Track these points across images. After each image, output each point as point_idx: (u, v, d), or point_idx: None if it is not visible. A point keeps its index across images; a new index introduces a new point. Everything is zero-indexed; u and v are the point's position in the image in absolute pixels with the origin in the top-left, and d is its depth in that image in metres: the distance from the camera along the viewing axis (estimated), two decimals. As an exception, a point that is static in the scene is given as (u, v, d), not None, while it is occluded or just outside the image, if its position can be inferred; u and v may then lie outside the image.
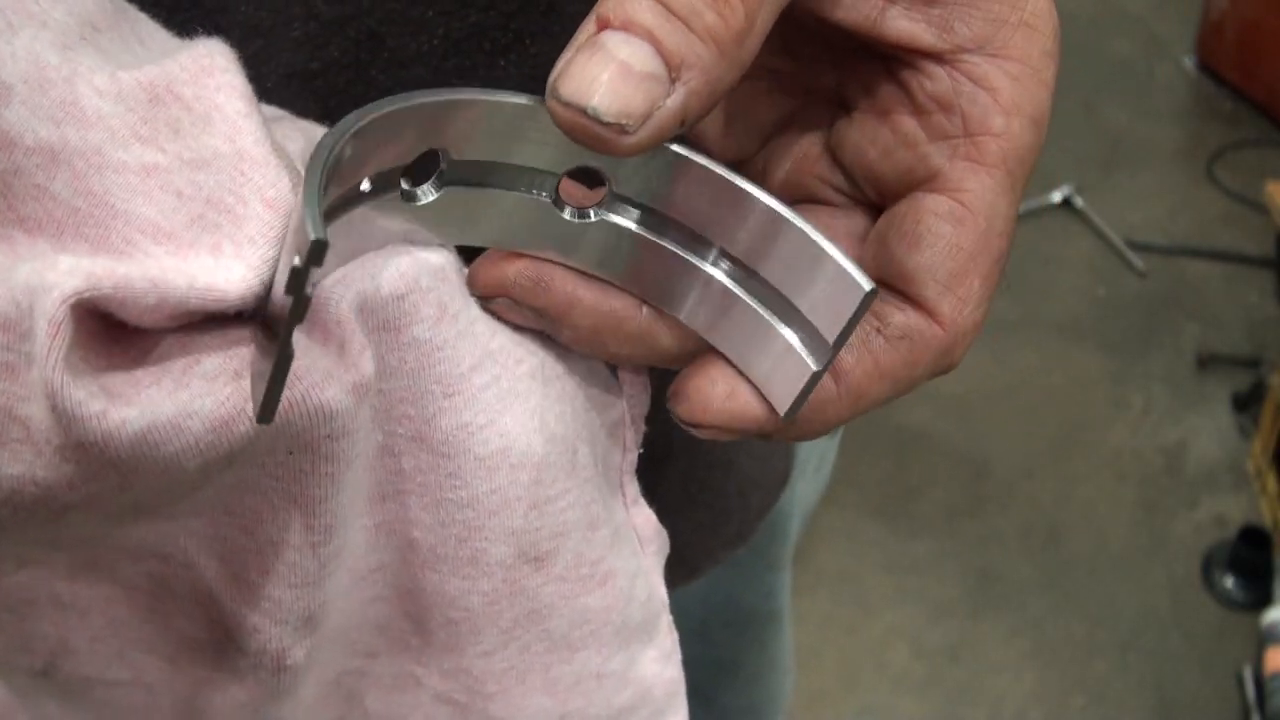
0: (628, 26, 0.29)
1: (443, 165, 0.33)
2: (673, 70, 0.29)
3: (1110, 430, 2.12)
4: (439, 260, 0.33)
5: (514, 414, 0.35)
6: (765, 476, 0.60)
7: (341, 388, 0.30)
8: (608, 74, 0.29)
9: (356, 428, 0.31)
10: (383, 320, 0.32)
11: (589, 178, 0.35)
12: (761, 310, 0.34)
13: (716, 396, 0.35)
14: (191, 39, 0.32)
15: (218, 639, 0.33)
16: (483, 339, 0.34)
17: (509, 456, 0.35)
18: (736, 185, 0.33)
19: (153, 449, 0.27)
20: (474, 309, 0.34)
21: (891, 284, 0.35)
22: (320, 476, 0.30)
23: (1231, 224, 2.50)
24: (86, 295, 0.27)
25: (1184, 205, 2.56)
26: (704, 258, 0.35)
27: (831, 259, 0.32)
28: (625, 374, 0.39)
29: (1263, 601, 1.80)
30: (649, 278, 0.35)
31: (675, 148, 0.33)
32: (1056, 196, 2.50)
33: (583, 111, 0.29)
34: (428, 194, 0.33)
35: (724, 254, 0.35)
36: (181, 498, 0.30)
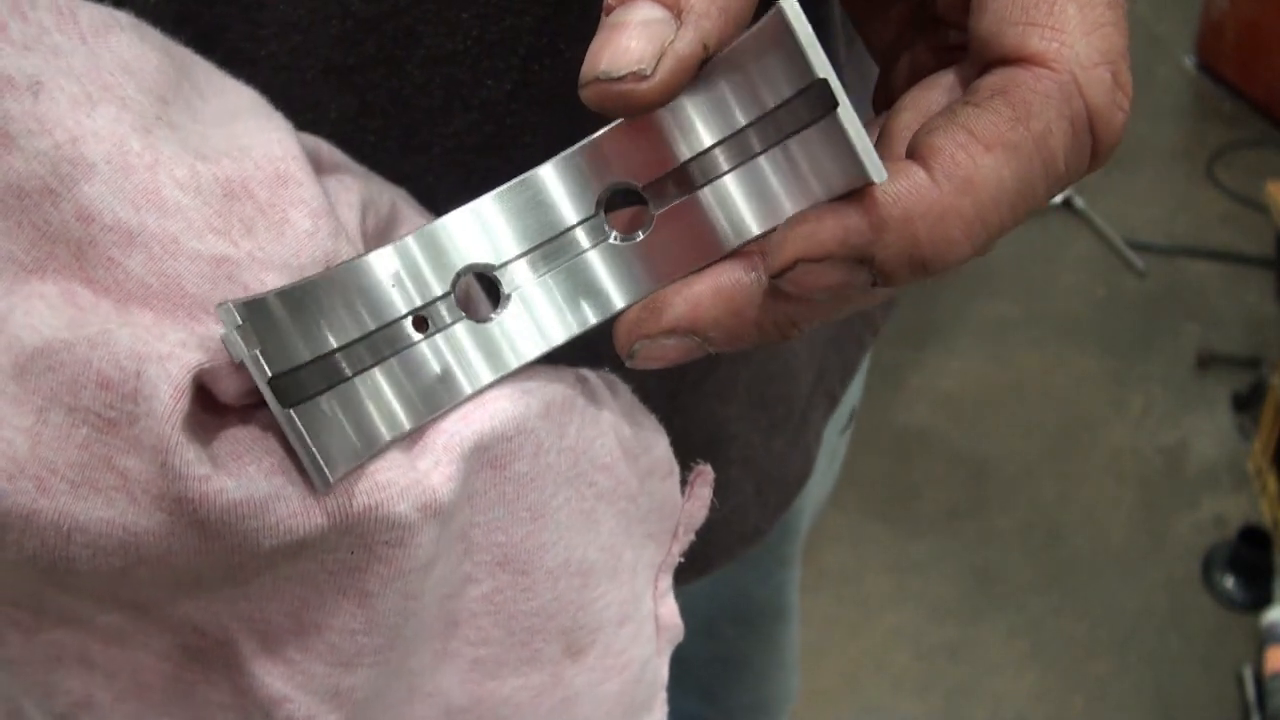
0: None
1: (496, 275, 0.34)
2: (672, 7, 0.30)
3: (1110, 430, 2.12)
4: (545, 397, 0.35)
5: (578, 529, 0.37)
6: (784, 475, 0.60)
7: (412, 504, 0.32)
8: (611, 40, 0.30)
9: (419, 544, 0.32)
10: (492, 458, 0.34)
11: (624, 200, 0.34)
12: (787, 142, 0.31)
13: (784, 230, 0.30)
14: (237, 69, 0.34)
15: (242, 706, 0.34)
16: (565, 467, 0.37)
17: (570, 566, 0.38)
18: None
19: (238, 521, 0.29)
20: (565, 439, 0.36)
21: (981, 61, 0.31)
22: (373, 574, 0.32)
23: (1231, 224, 2.50)
24: (208, 366, 0.29)
25: (1184, 205, 2.56)
26: (745, 153, 0.32)
27: (755, 35, 0.29)
28: (692, 492, 0.42)
29: (1263, 601, 1.81)
30: (740, 219, 0.33)
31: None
32: (1057, 197, 2.50)
33: (597, 80, 0.30)
34: (504, 304, 0.34)
35: (740, 134, 0.32)
36: (241, 582, 0.31)
